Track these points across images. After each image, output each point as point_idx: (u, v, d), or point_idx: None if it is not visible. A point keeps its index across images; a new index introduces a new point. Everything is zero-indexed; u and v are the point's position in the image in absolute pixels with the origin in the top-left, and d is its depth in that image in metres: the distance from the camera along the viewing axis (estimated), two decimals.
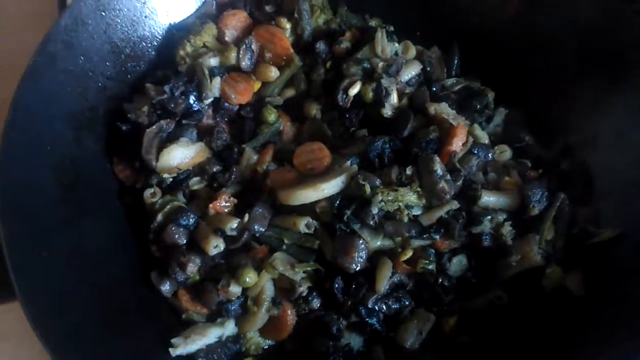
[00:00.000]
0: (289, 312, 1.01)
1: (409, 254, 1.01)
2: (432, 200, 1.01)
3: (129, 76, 1.16)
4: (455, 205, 1.01)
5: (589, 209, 1.06)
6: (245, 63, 1.16)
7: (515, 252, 1.02)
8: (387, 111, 1.12)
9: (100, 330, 0.91)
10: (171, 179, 1.08)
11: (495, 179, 1.09)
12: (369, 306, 0.99)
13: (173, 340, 0.96)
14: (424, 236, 1.02)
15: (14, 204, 0.90)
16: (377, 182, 1.00)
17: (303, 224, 1.02)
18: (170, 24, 1.21)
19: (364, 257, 0.99)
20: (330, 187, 1.01)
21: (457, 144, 1.05)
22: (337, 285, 0.99)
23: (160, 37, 1.20)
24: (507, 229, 1.03)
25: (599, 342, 0.94)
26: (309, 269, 1.01)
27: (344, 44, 1.19)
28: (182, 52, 1.16)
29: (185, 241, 1.03)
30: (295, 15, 1.20)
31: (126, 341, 0.93)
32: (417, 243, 1.02)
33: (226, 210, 1.05)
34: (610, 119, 1.09)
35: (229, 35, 1.19)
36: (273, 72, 1.17)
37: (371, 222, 1.00)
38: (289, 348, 1.04)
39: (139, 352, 0.93)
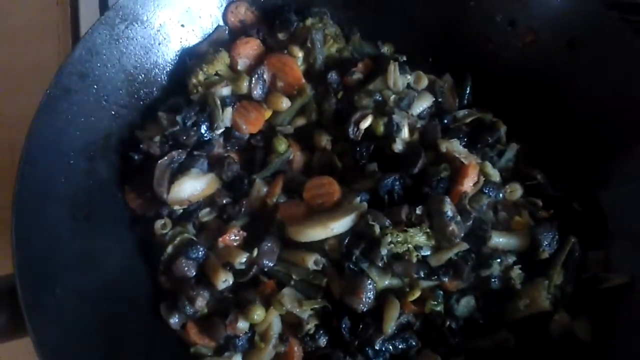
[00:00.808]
0: (295, 348, 1.02)
1: (417, 294, 1.01)
2: (441, 242, 1.01)
3: (141, 103, 1.16)
4: (464, 247, 1.01)
5: (600, 253, 1.05)
6: (257, 92, 1.16)
7: (524, 296, 1.02)
8: (398, 146, 1.11)
9: None
10: (181, 211, 1.08)
11: (506, 218, 1.09)
12: (376, 347, 0.99)
13: None
14: (433, 277, 1.01)
15: (28, 243, 0.91)
16: (387, 223, 1.00)
17: (312, 261, 1.02)
18: (182, 49, 1.21)
19: (372, 297, 0.99)
20: (339, 226, 1.01)
21: (468, 184, 1.05)
22: (344, 325, 1.00)
23: (172, 64, 1.20)
24: (516, 273, 1.03)
25: None
26: (316, 306, 1.02)
27: (356, 74, 1.18)
28: (194, 81, 1.16)
29: (194, 273, 1.04)
30: (308, 44, 1.19)
31: None
32: (425, 284, 1.02)
33: (235, 244, 1.06)
34: (625, 160, 1.09)
35: (242, 63, 1.18)
36: (284, 103, 1.16)
37: (380, 263, 1.00)
38: None
39: None
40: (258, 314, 0.99)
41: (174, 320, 1.02)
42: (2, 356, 1.06)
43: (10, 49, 1.41)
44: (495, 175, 1.11)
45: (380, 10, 1.29)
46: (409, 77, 1.18)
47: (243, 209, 1.08)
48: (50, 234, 0.97)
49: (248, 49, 1.19)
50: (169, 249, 1.05)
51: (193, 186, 1.07)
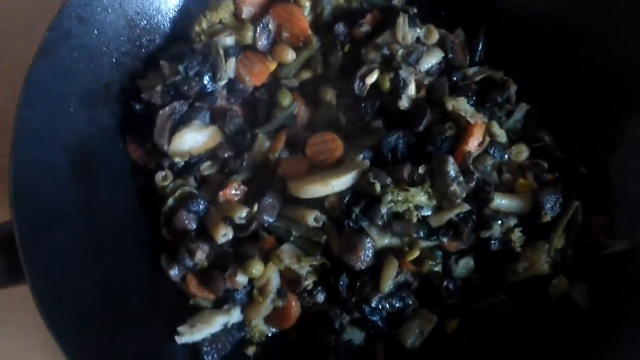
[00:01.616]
0: (293, 303, 1.02)
1: (416, 254, 1.00)
2: (442, 202, 0.99)
3: (143, 50, 1.12)
4: (465, 208, 0.99)
5: (604, 218, 1.03)
6: (262, 43, 1.12)
7: (523, 259, 1.01)
8: (404, 103, 1.07)
9: (108, 315, 0.92)
10: (183, 163, 1.06)
11: (510, 180, 1.06)
12: (373, 305, 0.99)
13: (179, 329, 0.97)
14: (432, 238, 1.00)
15: (25, 186, 0.89)
16: (388, 181, 0.98)
17: (312, 218, 1.01)
18: None
19: (370, 255, 0.98)
20: (340, 183, 0.99)
21: (473, 144, 1.02)
22: (342, 283, 0.99)
23: (176, 10, 1.15)
24: (516, 235, 1.01)
25: (598, 357, 0.94)
26: (315, 263, 1.01)
27: (364, 27, 1.13)
28: (197, 28, 1.12)
29: (195, 226, 1.03)
30: None
31: (133, 327, 0.94)
32: (424, 244, 1.00)
33: (236, 199, 1.04)
34: (634, 124, 1.05)
35: (246, 11, 1.13)
36: (290, 55, 1.12)
37: (379, 222, 0.98)
38: (293, 337, 1.05)
39: (146, 339, 0.95)
40: (257, 268, 0.99)
41: (174, 272, 1.02)
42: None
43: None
44: (501, 135, 1.07)
45: None
46: (418, 30, 1.13)
47: (245, 163, 1.06)
48: (49, 181, 0.95)
49: None
50: (170, 201, 1.04)
51: (194, 138, 1.05)
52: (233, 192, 1.04)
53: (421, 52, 1.10)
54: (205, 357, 0.97)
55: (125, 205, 1.07)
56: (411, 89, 1.08)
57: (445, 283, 1.01)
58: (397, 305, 1.01)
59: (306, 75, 1.16)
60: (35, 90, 0.94)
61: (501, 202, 1.02)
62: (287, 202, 1.04)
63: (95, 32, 1.04)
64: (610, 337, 0.95)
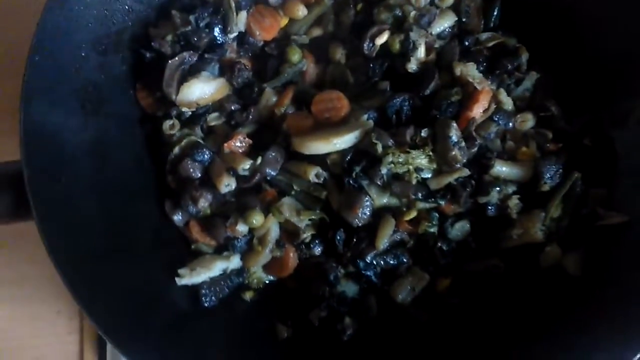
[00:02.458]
0: (291, 254, 1.03)
1: (413, 214, 1.01)
2: (442, 166, 0.98)
3: None
4: (465, 173, 0.98)
5: (603, 190, 1.02)
6: None
7: (519, 225, 1.01)
8: (412, 66, 1.05)
9: (112, 255, 0.95)
10: (190, 113, 1.07)
11: (513, 148, 1.05)
12: (367, 260, 1.00)
13: (180, 271, 0.99)
14: (430, 200, 1.00)
15: (36, 128, 0.91)
16: (390, 142, 0.97)
17: (313, 174, 1.01)
18: None
19: (368, 213, 0.99)
20: (343, 142, 0.99)
21: (478, 110, 1.00)
22: (338, 237, 1.00)
23: None
24: (514, 202, 1.01)
25: (585, 323, 0.94)
26: (314, 217, 1.02)
27: None
28: None
29: (199, 175, 1.04)
30: None
31: (137, 268, 0.97)
32: (422, 205, 1.01)
33: (240, 151, 1.05)
34: None
35: None
36: (301, 11, 1.10)
37: (379, 181, 0.99)
38: (289, 285, 1.07)
39: (148, 279, 0.97)
40: (257, 219, 1.00)
41: (177, 218, 1.04)
42: (7, 241, 1.10)
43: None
44: (508, 103, 1.05)
45: None
46: None
47: (251, 117, 1.06)
48: (59, 123, 0.96)
49: None
50: (176, 149, 1.05)
51: (202, 89, 1.05)
52: (238, 144, 1.04)
53: (434, 15, 1.08)
54: (203, 298, 1.00)
55: (133, 150, 1.08)
56: (421, 52, 1.06)
57: (439, 244, 1.02)
58: (391, 262, 1.02)
59: (317, 32, 1.14)
60: (46, 35, 0.95)
61: (502, 169, 1.01)
62: (291, 157, 1.04)
63: None
64: (598, 306, 0.96)
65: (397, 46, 1.07)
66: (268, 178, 1.03)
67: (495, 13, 1.17)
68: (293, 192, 1.03)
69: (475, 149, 1.00)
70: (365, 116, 1.02)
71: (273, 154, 1.03)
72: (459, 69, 1.03)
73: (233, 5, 1.07)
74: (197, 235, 1.04)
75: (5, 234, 1.14)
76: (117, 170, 1.03)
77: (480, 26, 1.16)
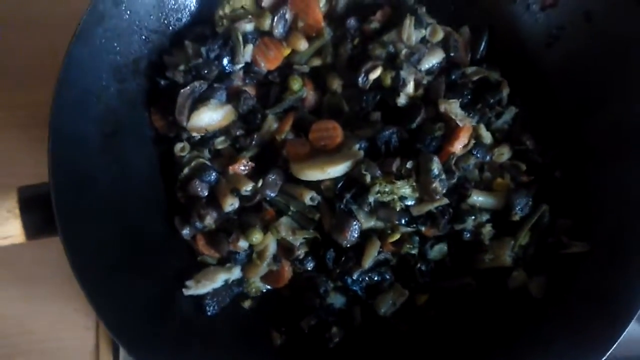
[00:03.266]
0: (286, 268, 1.14)
1: (396, 237, 1.11)
2: (424, 195, 1.08)
3: (170, 28, 1.19)
4: (444, 202, 1.08)
5: (568, 221, 1.12)
6: (278, 31, 1.18)
7: (490, 250, 1.11)
8: (402, 100, 1.14)
9: (126, 265, 1.05)
10: (199, 137, 1.16)
11: (489, 178, 1.14)
12: (354, 277, 1.11)
13: (187, 283, 1.10)
14: (412, 225, 1.10)
15: (62, 154, 0.99)
16: (378, 173, 1.07)
17: (308, 197, 1.11)
18: None
19: (356, 235, 1.09)
20: (336, 171, 1.08)
21: (459, 146, 1.10)
22: (329, 256, 1.11)
23: None
24: (487, 229, 1.11)
25: (546, 338, 1.05)
26: (307, 236, 1.12)
27: (373, 24, 1.18)
28: (220, 12, 1.18)
29: (206, 194, 1.14)
30: None
31: (148, 278, 1.07)
32: (405, 229, 1.11)
33: (244, 173, 1.14)
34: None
35: (266, 0, 1.19)
36: (303, 44, 1.19)
37: (367, 208, 1.08)
38: (284, 294, 1.18)
39: (158, 288, 1.08)
40: (256, 237, 1.10)
41: (186, 232, 1.14)
42: (34, 255, 1.19)
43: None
44: (487, 137, 1.14)
45: None
46: (424, 31, 1.19)
47: (254, 142, 1.16)
48: (82, 147, 1.05)
49: None
50: (186, 170, 1.14)
51: (211, 116, 1.14)
52: (242, 167, 1.14)
53: (423, 53, 1.16)
54: (207, 307, 1.11)
55: (147, 169, 1.17)
56: (410, 88, 1.15)
57: (419, 265, 1.12)
58: (375, 278, 1.13)
59: (316, 62, 1.23)
60: (71, 68, 1.02)
61: (477, 198, 1.11)
62: (289, 180, 1.14)
63: (128, 12, 1.11)
64: (559, 324, 1.06)
65: (388, 81, 1.15)
66: (268, 199, 1.13)
67: (482, 47, 1.26)
68: (290, 213, 1.13)
69: (455, 180, 1.10)
70: (357, 146, 1.11)
71: (273, 177, 1.13)
72: (443, 107, 1.11)
73: (241, 38, 1.16)
74: (203, 248, 1.14)
75: None
76: (131, 188, 1.13)
77: (468, 59, 1.25)
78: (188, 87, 1.13)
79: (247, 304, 1.16)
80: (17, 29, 1.39)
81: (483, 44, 1.25)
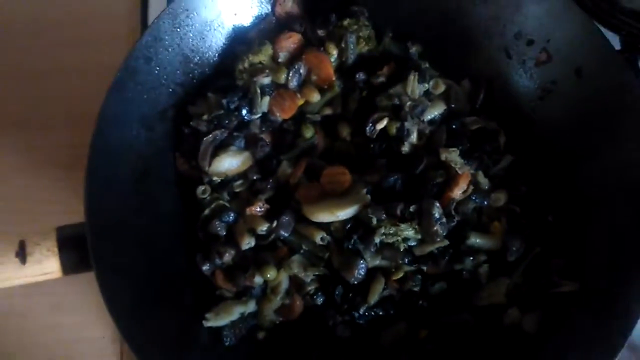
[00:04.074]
0: (297, 302, 1.21)
1: (400, 275, 1.18)
2: (426, 237, 1.16)
3: (194, 81, 1.30)
4: (445, 243, 1.16)
5: (560, 261, 1.19)
6: (293, 84, 1.28)
7: (487, 289, 1.18)
8: (405, 149, 1.23)
9: (152, 298, 1.14)
10: (219, 180, 1.25)
11: (487, 221, 1.22)
12: (360, 312, 1.18)
13: (206, 315, 1.17)
14: (415, 264, 1.18)
15: (97, 198, 1.09)
16: (383, 216, 1.15)
17: (319, 237, 1.19)
18: (234, 35, 1.33)
19: (363, 274, 1.17)
20: (345, 214, 1.16)
21: (458, 192, 1.18)
22: (337, 292, 1.18)
23: (224, 47, 1.32)
24: (484, 269, 1.18)
25: None
26: (318, 273, 1.20)
27: (380, 78, 1.29)
28: (240, 67, 1.28)
29: (224, 233, 1.23)
30: (342, 44, 1.29)
31: (171, 310, 1.16)
32: (408, 268, 1.19)
33: (260, 214, 1.23)
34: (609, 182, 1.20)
35: (282, 56, 1.30)
36: (315, 96, 1.28)
37: (373, 248, 1.16)
38: (296, 326, 1.24)
39: (180, 319, 1.16)
40: (271, 273, 1.18)
41: (206, 268, 1.22)
42: (67, 286, 1.27)
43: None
44: (485, 183, 1.23)
45: (417, 15, 1.37)
46: (427, 85, 1.28)
47: (269, 186, 1.25)
48: (114, 189, 1.15)
49: (289, 43, 1.30)
50: (207, 211, 1.23)
51: (230, 162, 1.24)
52: (258, 209, 1.22)
53: (426, 105, 1.26)
54: (225, 338, 1.18)
55: (171, 209, 1.26)
56: (413, 138, 1.24)
57: (420, 301, 1.20)
58: (380, 313, 1.20)
59: (327, 111, 1.32)
60: (106, 118, 1.13)
61: (476, 240, 1.19)
62: (301, 221, 1.22)
63: (157, 68, 1.22)
64: (552, 356, 1.14)
65: (394, 131, 1.24)
66: (281, 238, 1.21)
67: (480, 99, 1.36)
68: (302, 251, 1.21)
69: (454, 223, 1.18)
70: (365, 190, 1.20)
71: (286, 218, 1.21)
72: (444, 155, 1.20)
73: (259, 90, 1.26)
74: (221, 282, 1.22)
75: None
76: (157, 227, 1.21)
77: (467, 109, 1.34)
78: (210, 135, 1.23)
79: (261, 334, 1.23)
80: (56, 76, 1.52)
81: (482, 95, 1.35)
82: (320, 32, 1.32)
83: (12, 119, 1.51)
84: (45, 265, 1.08)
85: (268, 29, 1.34)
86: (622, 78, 1.20)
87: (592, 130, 1.23)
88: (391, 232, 1.15)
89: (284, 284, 1.21)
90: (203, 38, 1.28)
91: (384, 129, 1.25)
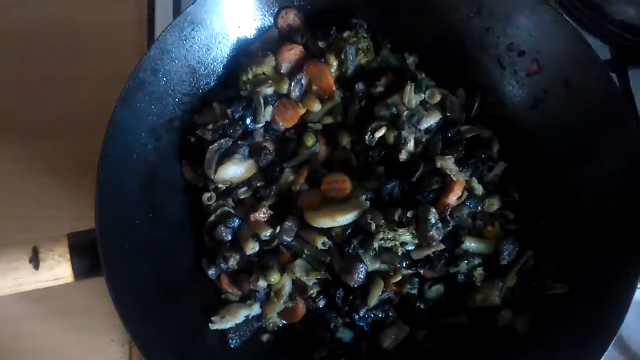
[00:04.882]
0: (300, 305, 1.25)
1: (398, 278, 1.22)
2: (423, 242, 1.20)
3: (200, 92, 1.33)
4: (441, 247, 1.19)
5: (552, 265, 1.23)
6: (295, 94, 1.32)
7: (481, 291, 1.22)
8: (403, 156, 1.27)
9: (160, 301, 1.17)
10: (225, 188, 1.29)
11: (481, 226, 1.26)
12: (361, 314, 1.22)
13: (213, 319, 1.21)
14: (412, 268, 1.22)
15: (107, 206, 1.12)
16: (382, 222, 1.18)
17: (320, 242, 1.22)
18: (238, 47, 1.36)
19: (363, 277, 1.20)
20: (345, 220, 1.20)
21: (453, 198, 1.22)
22: (338, 295, 1.22)
23: (229, 59, 1.36)
24: (479, 273, 1.22)
25: None
26: (320, 277, 1.23)
27: (378, 88, 1.32)
28: (245, 78, 1.32)
29: (230, 239, 1.26)
30: (342, 56, 1.33)
31: (179, 312, 1.19)
32: (406, 272, 1.22)
33: (264, 220, 1.26)
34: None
35: (285, 67, 1.33)
36: (317, 106, 1.32)
37: (372, 252, 1.20)
38: (299, 329, 1.28)
39: (187, 322, 1.20)
40: (275, 277, 1.22)
41: (212, 272, 1.25)
42: (78, 290, 1.27)
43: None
44: (479, 190, 1.26)
45: (414, 27, 1.41)
46: (423, 95, 1.32)
47: (273, 193, 1.28)
48: (124, 197, 1.18)
49: (292, 55, 1.34)
50: (212, 217, 1.27)
51: (235, 170, 1.27)
52: (262, 215, 1.26)
53: (423, 115, 1.30)
54: (230, 340, 1.21)
55: (178, 216, 1.30)
56: (410, 146, 1.28)
57: (418, 304, 1.23)
58: (379, 315, 1.24)
59: (328, 121, 1.36)
60: (116, 128, 1.16)
61: (470, 245, 1.22)
62: (303, 227, 1.25)
63: (164, 79, 1.25)
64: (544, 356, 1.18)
65: (392, 140, 1.28)
66: (285, 243, 1.24)
67: (475, 108, 1.39)
68: (304, 256, 1.24)
69: (450, 228, 1.22)
70: (364, 197, 1.23)
71: (289, 224, 1.25)
72: (440, 163, 1.23)
73: (262, 101, 1.29)
74: (227, 287, 1.25)
75: None
76: (165, 233, 1.25)
77: (463, 118, 1.38)
78: (216, 144, 1.26)
79: (265, 337, 1.27)
80: (65, 85, 1.56)
81: (476, 105, 1.38)
82: (321, 44, 1.36)
83: (24, 127, 1.54)
84: (58, 271, 1.11)
85: (271, 41, 1.37)
86: (608, 90, 1.24)
87: (582, 139, 1.28)
88: (390, 237, 1.19)
89: (288, 287, 1.25)
90: (208, 50, 1.32)
91: (383, 138, 1.29)
